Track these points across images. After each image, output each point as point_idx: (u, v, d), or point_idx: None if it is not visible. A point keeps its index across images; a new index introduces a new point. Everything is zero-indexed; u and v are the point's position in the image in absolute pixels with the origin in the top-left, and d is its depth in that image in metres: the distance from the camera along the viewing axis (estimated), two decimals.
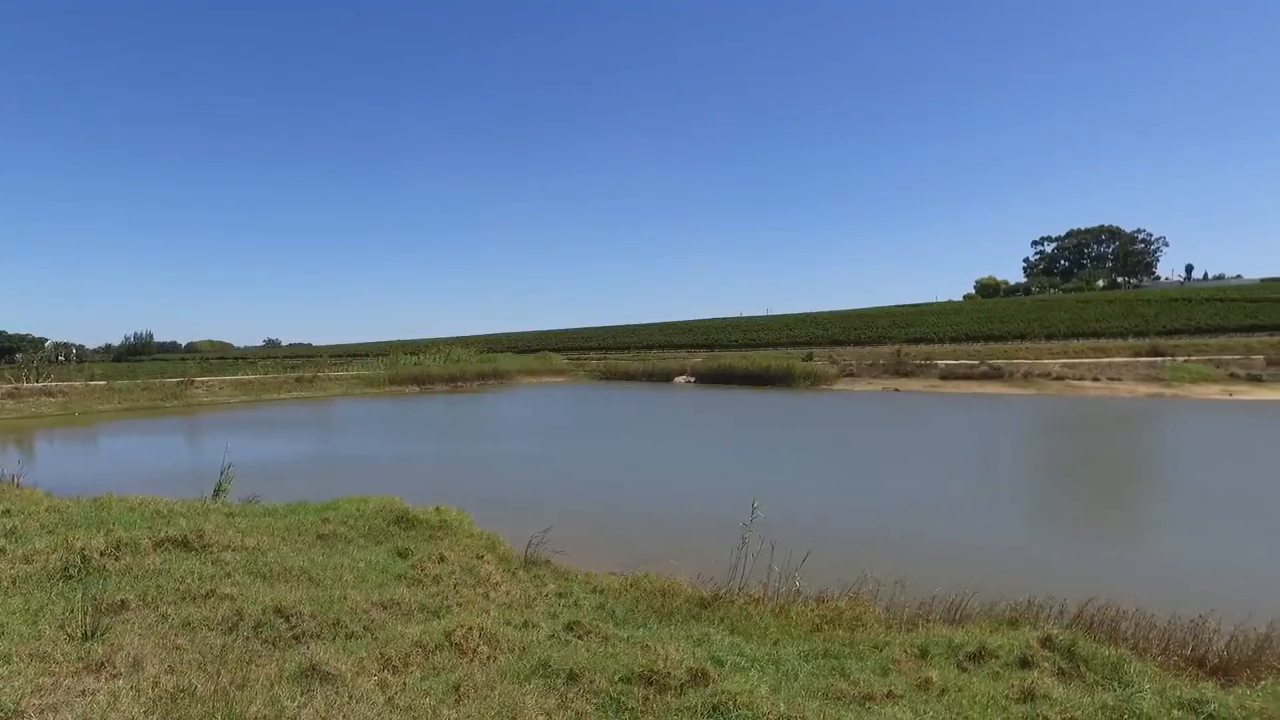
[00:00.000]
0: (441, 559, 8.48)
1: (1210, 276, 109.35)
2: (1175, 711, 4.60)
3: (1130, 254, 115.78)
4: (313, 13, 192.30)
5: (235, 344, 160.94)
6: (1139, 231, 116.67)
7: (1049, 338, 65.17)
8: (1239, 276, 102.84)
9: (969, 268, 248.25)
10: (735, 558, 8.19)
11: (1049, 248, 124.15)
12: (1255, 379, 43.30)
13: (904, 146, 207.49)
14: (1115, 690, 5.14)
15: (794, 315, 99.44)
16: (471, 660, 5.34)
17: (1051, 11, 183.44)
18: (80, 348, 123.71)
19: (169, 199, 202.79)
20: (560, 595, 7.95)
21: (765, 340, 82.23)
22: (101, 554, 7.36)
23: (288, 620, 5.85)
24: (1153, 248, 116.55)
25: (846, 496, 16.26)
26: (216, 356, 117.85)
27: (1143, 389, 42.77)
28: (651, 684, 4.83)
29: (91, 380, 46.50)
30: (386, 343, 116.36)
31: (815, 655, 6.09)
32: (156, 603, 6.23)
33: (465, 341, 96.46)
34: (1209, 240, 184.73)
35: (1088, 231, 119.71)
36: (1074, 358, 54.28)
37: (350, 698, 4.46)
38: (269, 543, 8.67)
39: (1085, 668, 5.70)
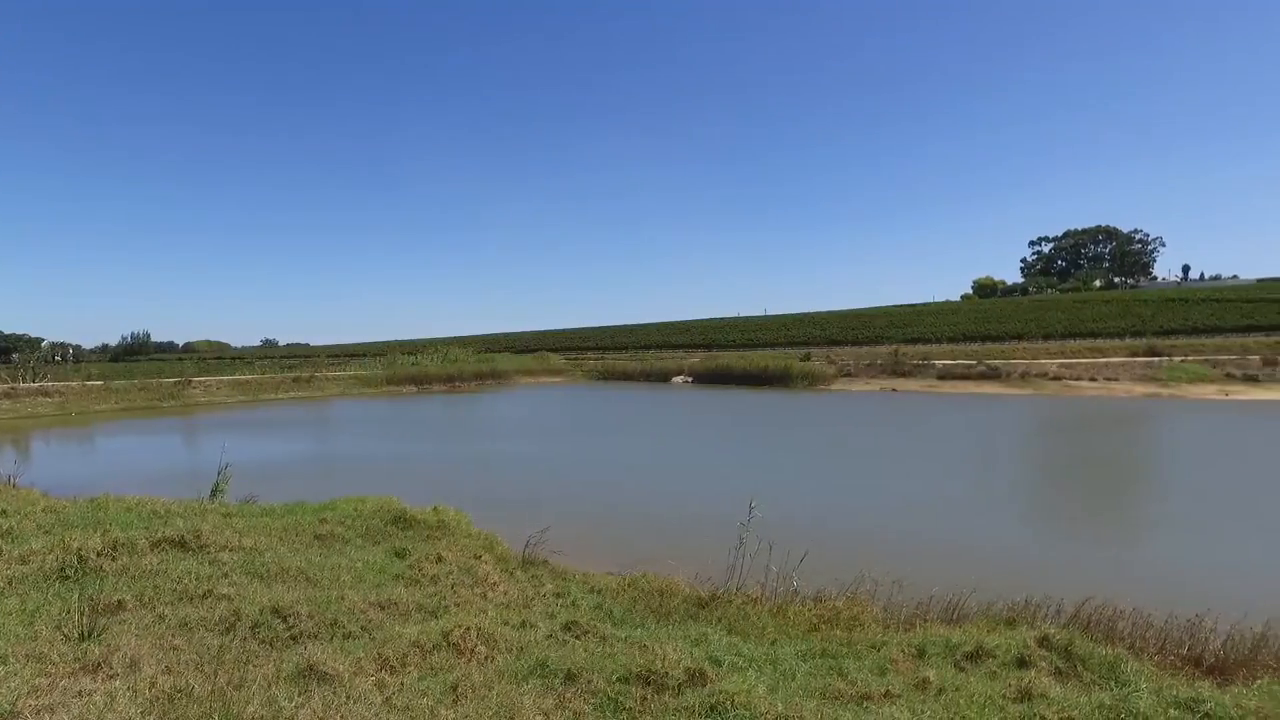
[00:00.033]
0: (439, 559, 8.47)
1: (1207, 277, 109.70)
2: (1172, 711, 4.61)
3: (1127, 254, 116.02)
4: (313, 13, 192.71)
5: (232, 344, 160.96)
6: (1136, 232, 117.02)
7: (1046, 338, 65.31)
8: (1235, 277, 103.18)
9: (966, 268, 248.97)
10: (733, 558, 8.20)
11: (1046, 248, 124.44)
12: (1251, 379, 43.41)
13: (904, 146, 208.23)
14: (1112, 690, 5.15)
15: (792, 315, 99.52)
16: (469, 660, 5.33)
17: (1051, 11, 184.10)
18: (77, 348, 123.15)
19: (169, 199, 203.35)
20: (558, 595, 7.94)
21: (763, 340, 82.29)
22: (98, 554, 7.35)
23: (285, 620, 5.84)
24: (1149, 248, 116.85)
25: (844, 496, 16.27)
26: (214, 356, 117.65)
27: (1139, 389, 42.85)
28: (649, 684, 4.83)
29: (88, 380, 46.40)
30: (384, 343, 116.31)
31: (813, 655, 6.09)
32: (153, 603, 6.22)
33: (463, 341, 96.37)
34: (1205, 240, 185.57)
35: (1085, 232, 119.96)
36: (1071, 358, 54.37)
37: (348, 698, 4.46)
38: (266, 543, 8.66)
39: (1082, 667, 5.71)
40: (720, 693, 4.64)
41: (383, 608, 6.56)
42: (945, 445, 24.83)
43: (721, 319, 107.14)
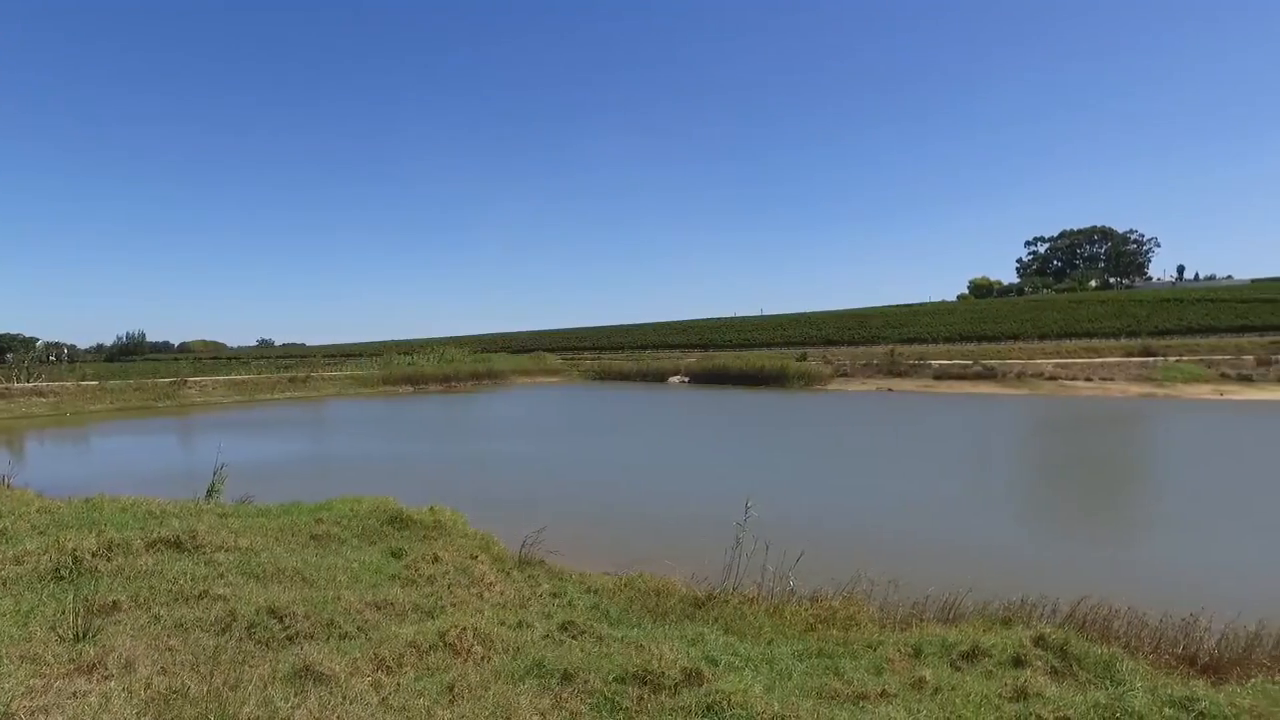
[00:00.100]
0: (435, 559, 8.46)
1: (1201, 277, 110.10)
2: (1167, 709, 4.63)
3: (1122, 254, 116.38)
4: (313, 13, 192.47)
5: (228, 344, 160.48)
6: (1131, 232, 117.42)
7: (1042, 338, 65.51)
8: (1230, 277, 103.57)
9: (963, 268, 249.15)
10: (729, 557, 8.20)
11: (1042, 248, 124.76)
12: (1246, 379, 43.60)
13: (904, 146, 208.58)
14: (1107, 689, 5.17)
15: (788, 315, 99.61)
16: (466, 661, 5.33)
17: (1051, 11, 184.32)
18: (72, 348, 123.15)
19: (169, 199, 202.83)
20: (554, 595, 7.94)
21: (759, 340, 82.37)
22: (93, 555, 7.32)
23: (281, 621, 5.83)
24: (1145, 248, 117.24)
25: (840, 496, 16.29)
26: (209, 356, 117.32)
27: (1135, 389, 42.99)
28: (646, 684, 4.83)
29: (83, 380, 46.23)
30: (380, 343, 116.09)
31: (809, 655, 6.10)
32: (149, 604, 6.20)
33: (459, 341, 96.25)
34: (1200, 241, 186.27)
35: (1080, 232, 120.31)
36: (1067, 358, 54.54)
37: (344, 698, 4.45)
38: (262, 543, 8.64)
39: (1078, 666, 5.72)
40: (717, 692, 4.65)
41: (379, 608, 6.55)
42: (941, 445, 24.88)
43: (718, 319, 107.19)
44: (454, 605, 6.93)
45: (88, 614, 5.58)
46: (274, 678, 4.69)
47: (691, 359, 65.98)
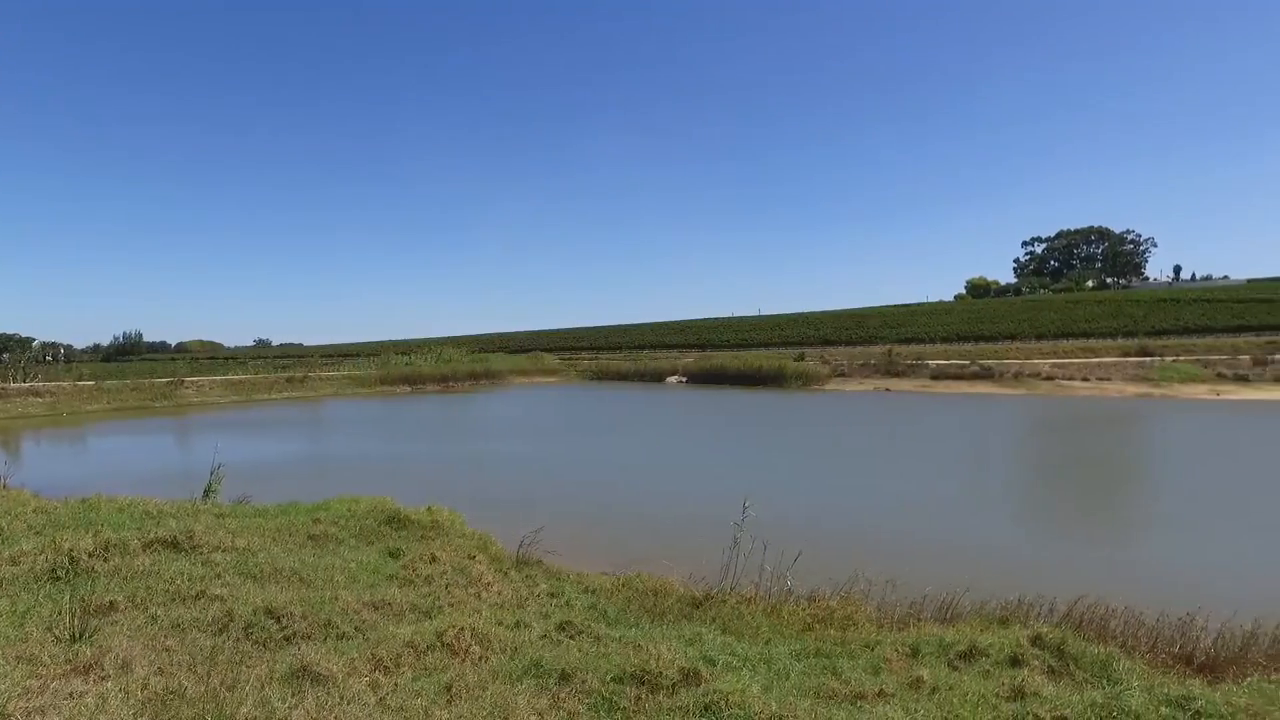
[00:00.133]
0: (433, 559, 8.45)
1: (1198, 277, 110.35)
2: (1163, 708, 4.64)
3: (1119, 255, 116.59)
4: (313, 13, 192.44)
5: (225, 344, 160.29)
6: (1128, 232, 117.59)
7: (1039, 338, 65.61)
8: (1226, 277, 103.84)
9: (960, 268, 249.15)
10: (727, 557, 8.20)
11: (1039, 248, 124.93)
12: (1242, 379, 43.71)
13: (904, 146, 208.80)
14: (1104, 688, 5.17)
15: (786, 315, 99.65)
16: (463, 661, 5.32)
17: (1051, 11, 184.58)
18: (68, 348, 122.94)
19: (169, 199, 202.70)
20: (552, 595, 7.94)
21: (757, 340, 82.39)
22: (90, 555, 7.31)
23: (278, 621, 5.82)
24: (1141, 248, 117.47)
25: (838, 496, 16.30)
26: (206, 356, 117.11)
27: (1131, 389, 43.08)
28: (644, 684, 4.83)
29: (80, 380, 46.14)
30: (378, 343, 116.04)
31: (807, 654, 6.10)
32: (146, 604, 6.18)
33: (457, 342, 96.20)
34: (1196, 241, 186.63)
35: (1077, 232, 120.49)
36: (1064, 358, 54.63)
37: (341, 699, 4.44)
38: (259, 543, 8.62)
39: (1075, 666, 5.74)
40: (715, 692, 4.65)
41: (376, 608, 6.54)
42: (939, 445, 24.91)
43: (716, 319, 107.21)
44: (451, 605, 6.93)
45: (84, 614, 5.56)
46: (271, 678, 4.69)
47: (689, 359, 65.99)
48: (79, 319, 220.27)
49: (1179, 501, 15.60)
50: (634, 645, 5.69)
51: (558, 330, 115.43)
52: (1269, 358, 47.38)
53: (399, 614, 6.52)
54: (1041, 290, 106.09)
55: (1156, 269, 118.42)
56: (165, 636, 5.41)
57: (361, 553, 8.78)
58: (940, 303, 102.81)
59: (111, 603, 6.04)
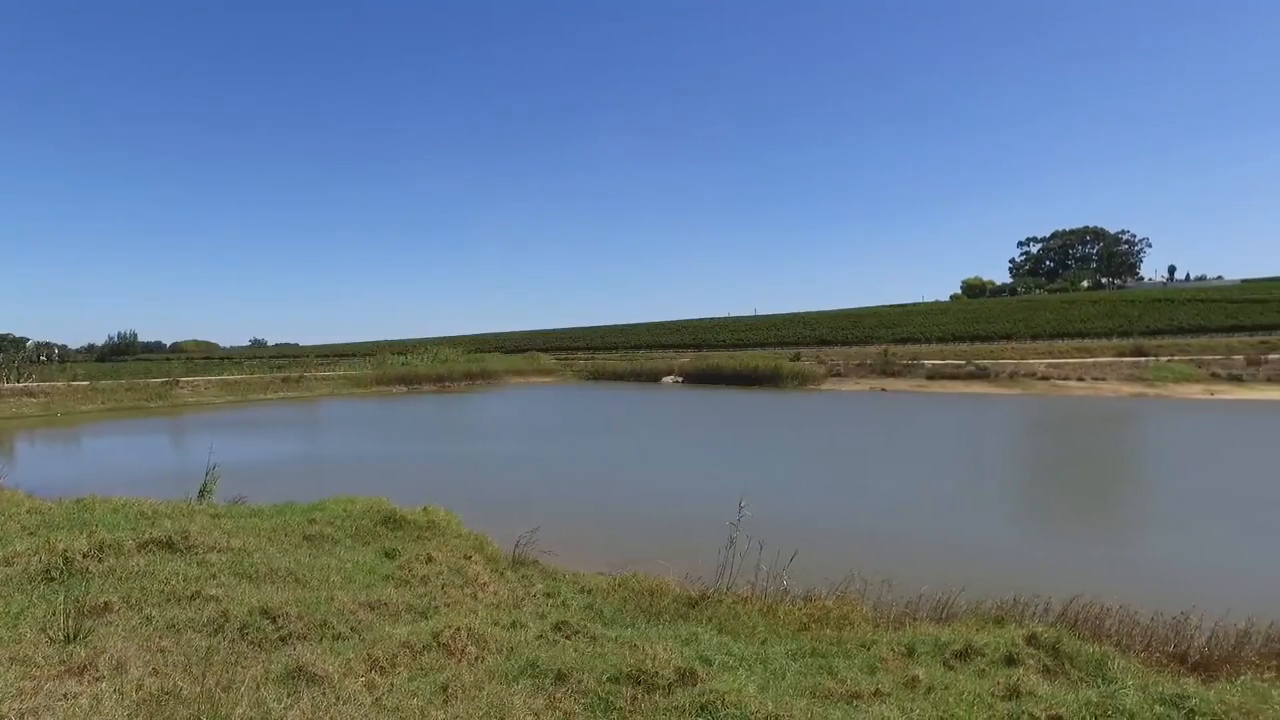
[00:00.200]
0: (429, 559, 8.44)
1: (1192, 277, 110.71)
2: (1157, 707, 4.65)
3: (1114, 255, 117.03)
4: (313, 13, 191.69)
5: (221, 344, 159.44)
6: (1123, 233, 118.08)
7: (1034, 338, 65.77)
8: (1220, 278, 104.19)
9: (958, 268, 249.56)
10: (723, 557, 8.20)
11: (1034, 248, 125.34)
12: (1236, 379, 43.88)
13: (903, 146, 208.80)
14: (1099, 687, 5.19)
15: (782, 315, 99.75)
16: (459, 661, 5.32)
17: (1051, 12, 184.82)
18: (63, 348, 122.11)
19: (169, 199, 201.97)
20: (548, 595, 7.94)
21: (753, 340, 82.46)
22: (84, 556, 7.28)
23: (274, 621, 5.81)
24: (1136, 249, 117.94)
25: (834, 496, 16.32)
26: (202, 356, 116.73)
27: (1126, 389, 43.22)
28: (640, 683, 4.84)
29: (74, 380, 45.93)
30: (374, 343, 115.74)
31: (803, 654, 6.11)
32: (140, 604, 6.16)
33: (453, 341, 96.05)
34: (1191, 242, 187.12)
35: (1073, 232, 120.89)
36: (1059, 358, 54.79)
37: (337, 699, 4.44)
38: (255, 544, 8.60)
39: (1070, 665, 5.75)
40: (711, 692, 4.65)
41: (372, 608, 6.53)
42: (934, 445, 24.96)
43: (712, 319, 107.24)
44: (448, 605, 6.92)
45: (79, 615, 5.54)
46: (267, 679, 4.68)
47: (685, 359, 66.01)
48: (74, 319, 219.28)
49: (1173, 501, 15.66)
50: (630, 645, 5.69)
51: (554, 330, 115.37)
52: (1262, 358, 47.59)
53: (395, 614, 6.51)
54: (1037, 290, 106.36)
55: (1151, 269, 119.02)
56: (160, 637, 5.40)
57: (357, 553, 8.77)
58: (936, 303, 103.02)
59: (106, 603, 6.02)
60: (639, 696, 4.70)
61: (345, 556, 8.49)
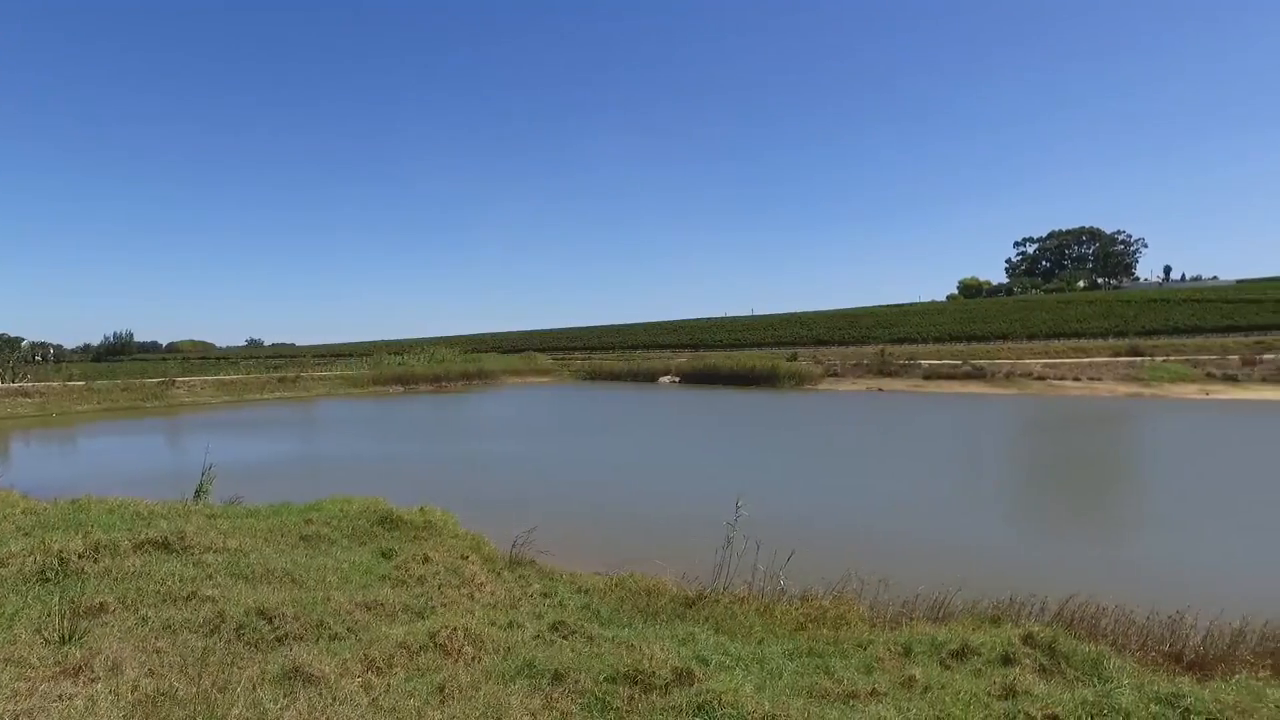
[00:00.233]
0: (426, 560, 8.43)
1: (1188, 278, 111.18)
2: (1153, 706, 4.67)
3: (1110, 255, 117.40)
4: (313, 13, 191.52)
5: (217, 344, 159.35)
6: (1119, 233, 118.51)
7: (1030, 338, 65.96)
8: (1215, 278, 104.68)
9: (956, 268, 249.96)
10: (720, 557, 8.21)
11: (1030, 249, 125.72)
12: (1231, 379, 44.01)
13: (903, 146, 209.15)
14: (1095, 686, 5.20)
15: (779, 315, 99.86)
16: (456, 661, 5.32)
17: (1051, 12, 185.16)
18: (58, 347, 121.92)
19: (169, 199, 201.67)
20: (545, 595, 7.93)
21: (750, 340, 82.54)
22: (80, 556, 7.25)
23: (270, 622, 5.80)
24: (1132, 249, 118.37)
25: (831, 496, 16.34)
26: (198, 356, 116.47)
27: (1122, 389, 43.33)
28: (636, 683, 4.84)
29: (70, 380, 45.81)
30: (370, 343, 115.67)
31: (800, 654, 6.12)
32: (136, 605, 6.15)
33: (450, 341, 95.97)
34: (1186, 242, 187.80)
35: (1069, 233, 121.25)
36: (1055, 358, 54.92)
37: (334, 699, 4.43)
38: (251, 544, 8.58)
39: (1066, 664, 5.77)
40: (707, 692, 4.65)
41: (369, 608, 6.52)
42: (931, 445, 25.00)
43: (709, 319, 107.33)
44: (444, 606, 6.92)
45: (74, 616, 5.52)
46: (263, 679, 4.67)
47: (682, 359, 66.03)
48: (70, 319, 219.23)
49: (1169, 501, 15.70)
50: (627, 645, 5.69)
51: (551, 330, 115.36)
52: (1257, 358, 47.76)
53: (392, 614, 6.50)
54: (1033, 290, 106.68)
55: (1147, 269, 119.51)
56: (156, 638, 5.38)
57: (354, 553, 8.75)
58: (933, 303, 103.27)
59: (101, 604, 6.00)
60: (636, 696, 4.70)
61: (342, 557, 8.48)
